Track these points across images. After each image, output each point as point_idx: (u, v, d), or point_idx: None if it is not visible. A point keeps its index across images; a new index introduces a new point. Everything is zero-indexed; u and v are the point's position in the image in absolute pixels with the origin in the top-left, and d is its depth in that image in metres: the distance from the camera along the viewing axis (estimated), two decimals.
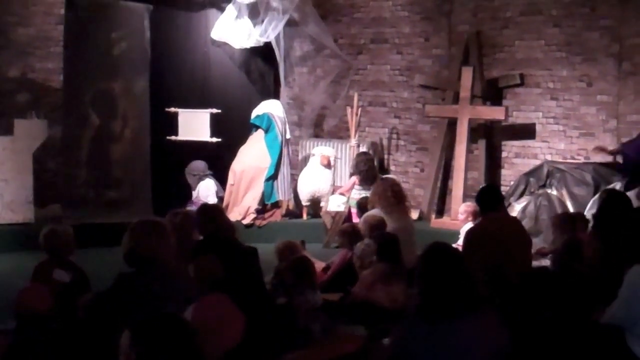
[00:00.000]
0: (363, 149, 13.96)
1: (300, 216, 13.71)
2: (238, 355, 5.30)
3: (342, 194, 13.11)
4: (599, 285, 6.23)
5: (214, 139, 13.49)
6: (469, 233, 8.25)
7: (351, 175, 13.18)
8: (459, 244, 10.34)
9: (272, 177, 13.12)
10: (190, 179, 13.15)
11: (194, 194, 13.11)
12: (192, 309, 5.31)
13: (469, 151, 13.31)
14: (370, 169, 12.88)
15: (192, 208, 10.52)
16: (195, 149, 13.47)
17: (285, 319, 6.23)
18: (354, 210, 12.14)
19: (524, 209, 11.76)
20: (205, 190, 13.01)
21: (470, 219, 10.53)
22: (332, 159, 13.65)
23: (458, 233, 10.69)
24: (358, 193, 12.43)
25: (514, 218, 9.18)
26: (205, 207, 8.00)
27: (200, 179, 13.12)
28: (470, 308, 4.60)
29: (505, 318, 4.83)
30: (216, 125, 13.53)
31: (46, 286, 6.02)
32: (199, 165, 13.19)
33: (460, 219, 11.05)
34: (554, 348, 4.79)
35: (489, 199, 8.20)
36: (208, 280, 5.77)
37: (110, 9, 12.71)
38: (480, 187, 10.03)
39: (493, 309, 4.97)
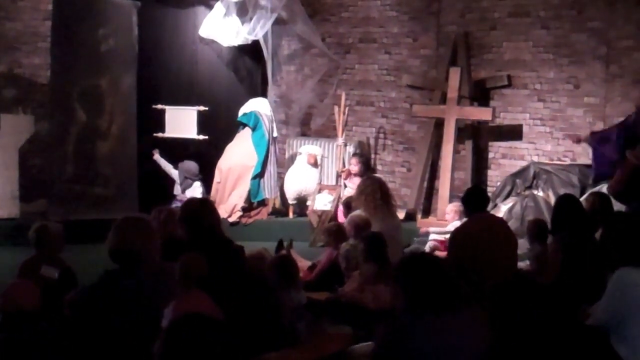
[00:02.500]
0: (350, 148, 13.97)
1: (287, 215, 13.71)
2: (222, 354, 5.29)
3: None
4: (565, 292, 6.27)
5: (201, 137, 13.49)
6: (455, 233, 8.27)
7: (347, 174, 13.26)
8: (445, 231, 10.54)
9: (259, 176, 13.11)
10: (181, 178, 13.13)
11: (178, 190, 13.08)
12: (172, 306, 5.29)
13: (456, 151, 13.33)
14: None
15: (178, 206, 10.50)
16: (182, 147, 13.46)
17: (270, 318, 6.22)
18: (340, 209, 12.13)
19: (510, 209, 11.80)
20: (191, 192, 12.97)
21: (457, 217, 10.70)
22: (319, 158, 13.65)
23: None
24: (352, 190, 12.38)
25: (500, 219, 9.19)
26: (192, 202, 7.90)
27: (190, 184, 13.12)
28: (455, 307, 4.64)
29: (491, 318, 4.85)
30: (203, 122, 13.53)
31: (33, 283, 5.98)
32: (193, 169, 13.18)
33: (447, 218, 11.15)
34: (539, 349, 4.81)
35: (476, 200, 8.24)
36: (192, 277, 5.75)
37: (98, 5, 12.64)
38: (467, 188, 10.10)
39: (478, 308, 5.00)
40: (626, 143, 10.50)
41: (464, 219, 9.92)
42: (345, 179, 13.34)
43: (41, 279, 6.86)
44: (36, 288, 5.68)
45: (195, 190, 13.07)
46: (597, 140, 11.20)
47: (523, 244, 9.34)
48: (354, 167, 13.06)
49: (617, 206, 9.35)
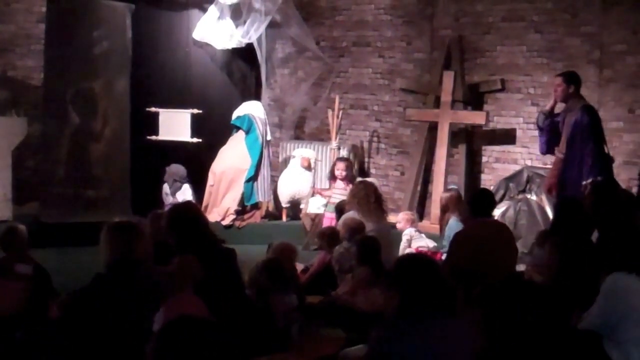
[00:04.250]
0: (344, 151, 13.95)
1: (280, 218, 13.70)
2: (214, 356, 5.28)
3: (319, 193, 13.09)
4: (562, 294, 6.26)
5: (195, 140, 13.48)
6: (457, 236, 8.25)
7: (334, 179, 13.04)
8: (404, 245, 10.47)
9: (252, 179, 13.09)
10: (169, 181, 13.09)
11: (168, 197, 13.03)
12: (164, 310, 5.28)
13: (450, 155, 13.32)
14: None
15: None
16: (176, 149, 13.44)
17: (263, 321, 6.21)
18: (331, 215, 12.08)
19: (504, 214, 11.78)
20: (182, 196, 12.94)
21: (408, 225, 10.75)
22: (312, 161, 13.64)
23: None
24: (341, 196, 12.27)
25: (502, 224, 9.16)
26: (179, 206, 7.87)
27: (179, 187, 13.09)
28: (449, 312, 4.63)
29: (487, 322, 4.86)
30: (197, 125, 13.52)
31: (12, 283, 5.98)
32: (182, 172, 13.14)
33: (399, 227, 11.04)
34: (532, 353, 4.81)
35: (482, 204, 8.22)
36: (188, 281, 5.73)
37: (92, 8, 12.64)
38: (480, 189, 10.12)
39: (472, 312, 5.00)
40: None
41: (463, 221, 9.89)
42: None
43: (17, 277, 6.93)
44: (17, 291, 5.67)
45: (186, 193, 13.04)
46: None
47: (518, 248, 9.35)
48: (342, 172, 12.80)
49: None
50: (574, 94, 10.23)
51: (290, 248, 8.04)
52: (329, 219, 11.95)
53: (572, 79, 10.28)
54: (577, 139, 9.95)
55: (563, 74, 10.50)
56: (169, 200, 12.89)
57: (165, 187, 13.11)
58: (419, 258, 5.08)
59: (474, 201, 8.42)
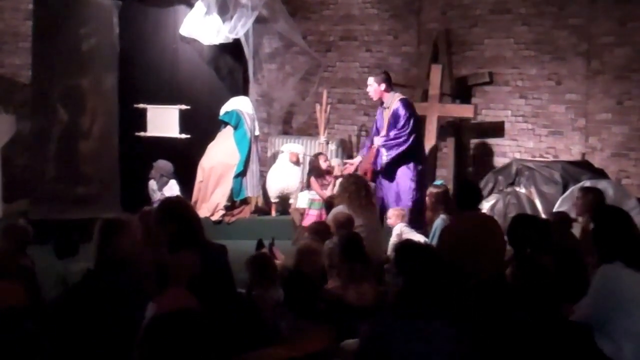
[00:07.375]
0: (332, 146, 13.96)
1: (269, 213, 13.67)
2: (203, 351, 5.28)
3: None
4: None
5: (183, 136, 13.48)
6: (444, 231, 8.24)
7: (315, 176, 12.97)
8: (393, 241, 10.43)
9: (241, 174, 13.07)
10: (156, 177, 13.07)
11: (155, 193, 13.00)
12: (154, 304, 5.28)
13: (438, 149, 13.35)
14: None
15: None
16: (164, 145, 13.42)
17: (252, 316, 6.20)
18: (316, 212, 12.09)
19: (493, 207, 11.78)
20: (169, 191, 12.93)
21: (399, 221, 10.68)
22: (300, 156, 13.61)
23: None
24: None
25: (490, 217, 9.09)
26: (172, 200, 7.86)
27: (166, 182, 13.07)
28: (446, 309, 4.62)
29: (477, 318, 4.85)
30: (185, 121, 13.51)
31: (17, 280, 5.99)
32: (168, 167, 13.13)
33: (390, 223, 11.00)
34: (523, 346, 4.82)
35: (468, 197, 8.19)
36: (185, 276, 5.72)
37: (79, 5, 12.60)
38: (465, 181, 10.14)
39: (466, 310, 4.99)
40: None
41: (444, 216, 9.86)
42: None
43: (21, 270, 6.95)
44: (21, 286, 5.68)
45: (173, 188, 13.02)
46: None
47: None
48: (326, 162, 12.81)
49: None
50: (386, 90, 11.06)
51: (315, 252, 7.92)
52: (313, 216, 11.95)
53: (380, 79, 11.10)
54: (395, 128, 10.84)
55: (374, 76, 11.30)
56: (156, 196, 12.86)
57: (152, 184, 13.07)
58: (422, 249, 5.02)
59: (460, 194, 8.39)
